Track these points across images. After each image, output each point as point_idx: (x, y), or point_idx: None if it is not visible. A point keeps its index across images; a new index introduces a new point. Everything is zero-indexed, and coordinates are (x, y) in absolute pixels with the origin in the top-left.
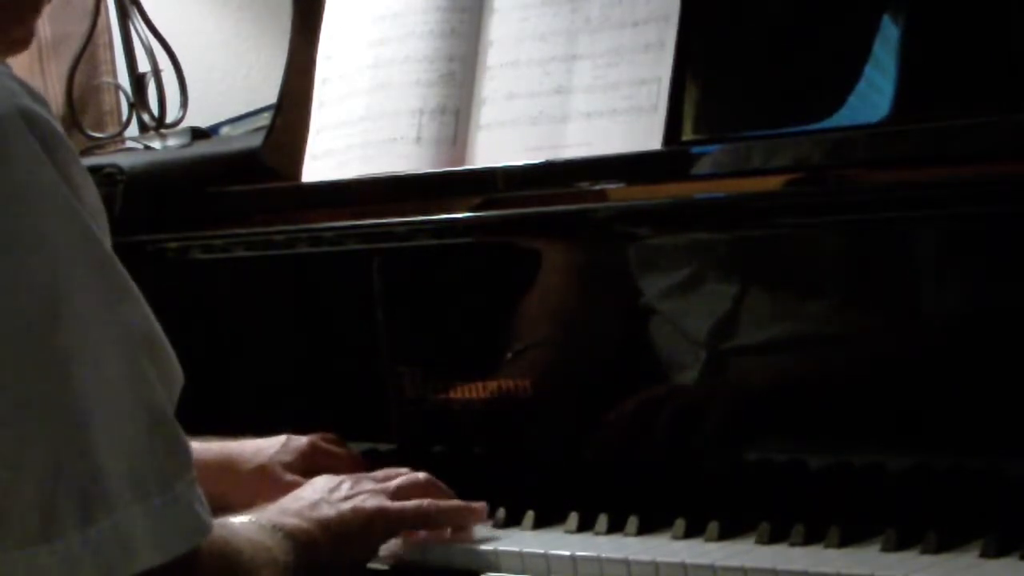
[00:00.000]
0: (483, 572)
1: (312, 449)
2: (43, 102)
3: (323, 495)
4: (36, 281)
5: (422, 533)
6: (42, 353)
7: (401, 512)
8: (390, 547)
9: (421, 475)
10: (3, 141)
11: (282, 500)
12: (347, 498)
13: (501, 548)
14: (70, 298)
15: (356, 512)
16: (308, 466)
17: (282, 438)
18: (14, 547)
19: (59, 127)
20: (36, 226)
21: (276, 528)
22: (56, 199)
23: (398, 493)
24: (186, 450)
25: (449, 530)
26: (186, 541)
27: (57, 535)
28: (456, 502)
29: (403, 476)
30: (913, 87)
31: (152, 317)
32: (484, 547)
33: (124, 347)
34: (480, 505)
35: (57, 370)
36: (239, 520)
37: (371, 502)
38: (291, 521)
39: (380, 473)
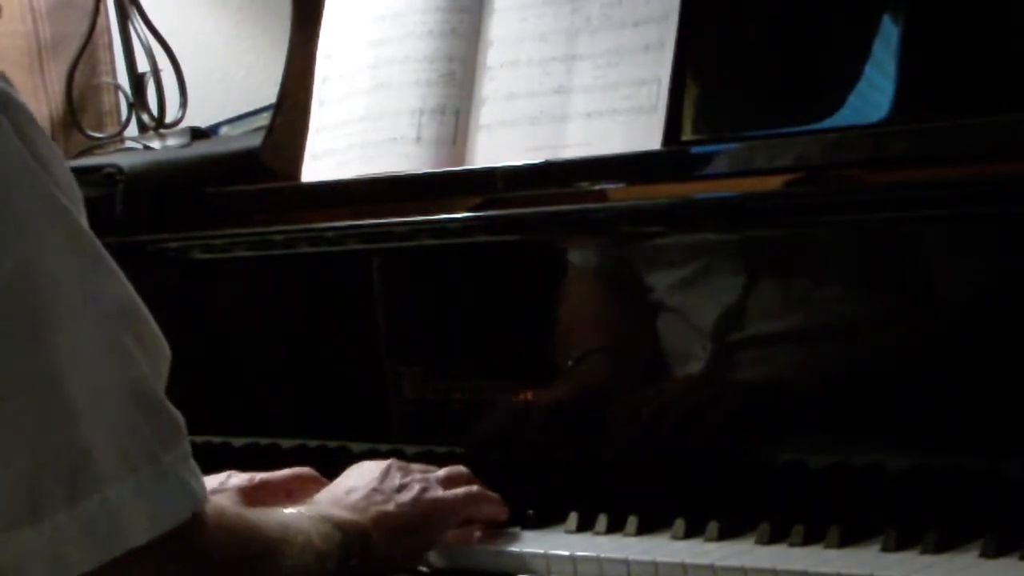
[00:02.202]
0: (483, 572)
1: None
2: (6, 79)
3: (376, 485)
4: (9, 257)
5: None
6: (19, 329)
7: (456, 501)
8: None
9: (463, 468)
10: None
11: (333, 491)
12: (401, 488)
13: (501, 548)
14: (46, 273)
15: (416, 505)
16: (249, 503)
17: (221, 476)
18: (0, 529)
19: (23, 100)
20: (7, 201)
21: (325, 519)
22: (27, 175)
23: (447, 483)
24: (174, 423)
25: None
26: (176, 515)
27: (44, 515)
28: (494, 495)
29: (446, 468)
30: (913, 87)
31: (132, 291)
32: (484, 547)
33: (103, 321)
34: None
35: (36, 346)
36: (287, 511)
37: (429, 494)
38: (342, 514)
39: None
